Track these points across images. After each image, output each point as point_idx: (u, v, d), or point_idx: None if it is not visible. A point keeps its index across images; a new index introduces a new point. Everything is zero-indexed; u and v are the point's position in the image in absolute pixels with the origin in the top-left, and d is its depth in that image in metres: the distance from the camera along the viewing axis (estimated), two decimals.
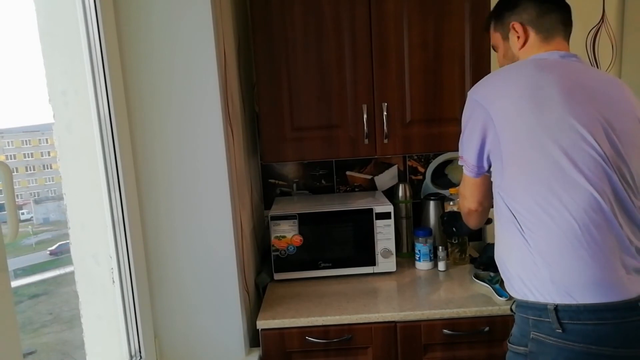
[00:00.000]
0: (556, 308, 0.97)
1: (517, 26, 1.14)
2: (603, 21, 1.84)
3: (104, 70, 1.10)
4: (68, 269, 1.12)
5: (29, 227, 1.13)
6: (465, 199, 1.21)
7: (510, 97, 1.02)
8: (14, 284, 0.78)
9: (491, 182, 1.12)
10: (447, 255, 1.70)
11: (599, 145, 0.98)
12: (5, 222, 0.75)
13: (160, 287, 1.28)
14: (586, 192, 0.96)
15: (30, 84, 1.05)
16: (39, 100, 1.06)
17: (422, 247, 1.68)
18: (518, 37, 1.15)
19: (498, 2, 1.21)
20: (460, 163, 1.17)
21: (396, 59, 1.56)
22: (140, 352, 1.21)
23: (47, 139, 1.15)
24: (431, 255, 1.69)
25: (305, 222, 1.61)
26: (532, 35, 1.13)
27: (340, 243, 1.63)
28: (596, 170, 0.97)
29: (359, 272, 1.64)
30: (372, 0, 1.53)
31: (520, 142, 1.01)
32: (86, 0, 1.07)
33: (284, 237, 1.61)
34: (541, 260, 0.99)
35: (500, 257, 1.11)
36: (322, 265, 1.63)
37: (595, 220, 0.96)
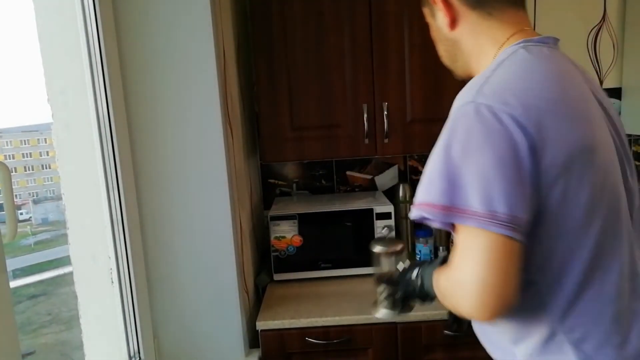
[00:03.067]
0: None
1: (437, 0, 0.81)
2: (604, 20, 1.83)
3: (103, 70, 1.10)
4: (67, 270, 1.11)
5: (28, 227, 1.14)
6: (463, 296, 0.68)
7: (559, 117, 0.69)
8: (13, 284, 0.78)
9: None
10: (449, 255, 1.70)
11: (621, 178, 0.75)
12: (3, 222, 0.75)
13: (159, 287, 1.28)
14: (623, 255, 0.73)
15: (28, 84, 1.05)
16: (38, 99, 1.06)
17: (422, 247, 1.67)
18: (444, 15, 0.82)
19: None
20: (464, 221, 0.66)
21: (396, 59, 1.55)
22: (139, 352, 1.20)
23: (45, 139, 1.15)
24: (432, 256, 1.68)
25: (305, 222, 1.60)
26: (464, 10, 0.80)
27: (340, 243, 1.63)
28: (628, 228, 0.75)
29: (359, 273, 1.63)
30: (372, 0, 1.53)
31: (574, 191, 0.68)
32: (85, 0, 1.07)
33: (283, 237, 1.61)
34: (573, 349, 0.71)
35: (503, 321, 0.77)
36: (322, 265, 1.62)
37: (632, 287, 0.74)
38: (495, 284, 0.65)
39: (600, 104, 0.78)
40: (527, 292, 0.71)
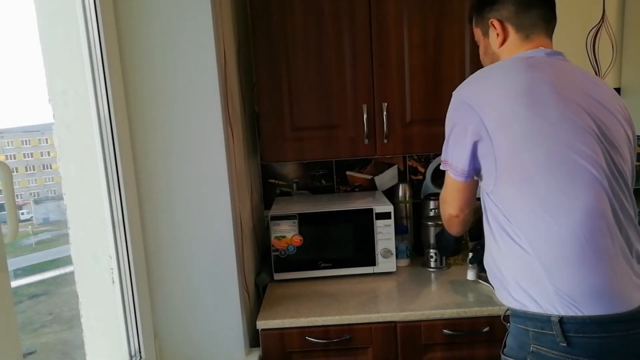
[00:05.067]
0: (561, 320, 0.92)
1: (496, 23, 1.09)
2: (603, 21, 1.84)
3: (104, 70, 1.10)
4: (68, 269, 1.12)
5: (29, 227, 1.14)
6: (447, 204, 1.16)
7: (502, 99, 0.97)
8: (14, 284, 0.78)
9: (476, 187, 1.10)
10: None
11: (598, 148, 0.95)
12: (5, 222, 0.75)
13: (160, 287, 1.28)
14: (589, 199, 0.92)
15: (30, 84, 1.05)
16: (39, 100, 1.06)
17: (399, 244, 1.69)
18: (497, 35, 1.10)
19: None
20: (443, 167, 1.11)
21: (396, 59, 1.55)
22: (140, 352, 1.21)
23: (46, 139, 1.15)
24: (408, 253, 1.73)
25: (305, 222, 1.61)
26: (512, 33, 1.09)
27: (340, 243, 1.63)
28: (597, 175, 0.94)
29: (359, 272, 1.64)
30: (372, 0, 1.53)
31: (516, 147, 0.96)
32: (86, 0, 1.07)
33: (284, 237, 1.61)
34: (544, 270, 0.94)
35: (493, 264, 1.05)
36: (322, 265, 1.63)
37: (600, 228, 0.92)
38: (456, 201, 1.12)
39: (592, 97, 1.00)
40: (504, 236, 1.00)
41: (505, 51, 1.10)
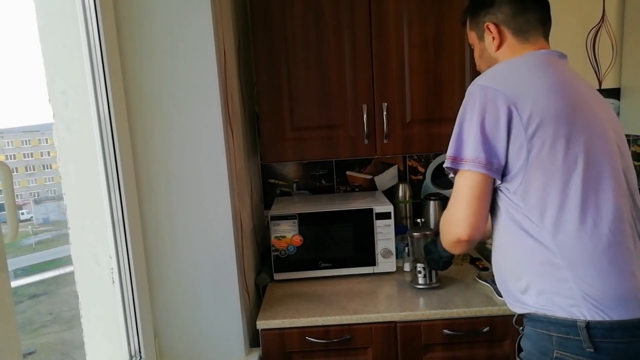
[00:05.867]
0: (587, 325, 0.89)
1: (492, 27, 1.07)
2: (603, 21, 1.84)
3: (104, 70, 1.10)
4: (68, 269, 1.12)
5: (29, 227, 1.14)
6: (454, 224, 0.98)
7: (536, 94, 0.93)
8: (14, 284, 0.78)
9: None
10: None
11: (616, 148, 0.96)
12: (5, 222, 0.75)
13: (160, 287, 1.28)
14: (616, 202, 0.92)
15: (30, 84, 1.05)
16: (39, 100, 1.06)
17: (399, 244, 1.68)
18: (493, 39, 1.08)
19: None
20: (461, 166, 0.97)
21: (396, 59, 1.55)
22: (140, 352, 1.21)
23: (47, 139, 1.15)
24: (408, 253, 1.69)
25: (305, 222, 1.61)
26: (509, 37, 1.06)
27: (340, 243, 1.63)
28: (622, 176, 0.95)
29: (359, 272, 1.64)
30: (372, 0, 1.53)
31: (549, 146, 0.92)
32: (86, 0, 1.07)
33: (284, 237, 1.61)
34: (572, 274, 0.91)
35: (507, 266, 1.01)
36: (322, 265, 1.63)
37: (625, 230, 0.92)
38: (472, 214, 0.96)
39: (598, 99, 1.01)
40: (525, 237, 0.95)
41: (504, 55, 1.08)
